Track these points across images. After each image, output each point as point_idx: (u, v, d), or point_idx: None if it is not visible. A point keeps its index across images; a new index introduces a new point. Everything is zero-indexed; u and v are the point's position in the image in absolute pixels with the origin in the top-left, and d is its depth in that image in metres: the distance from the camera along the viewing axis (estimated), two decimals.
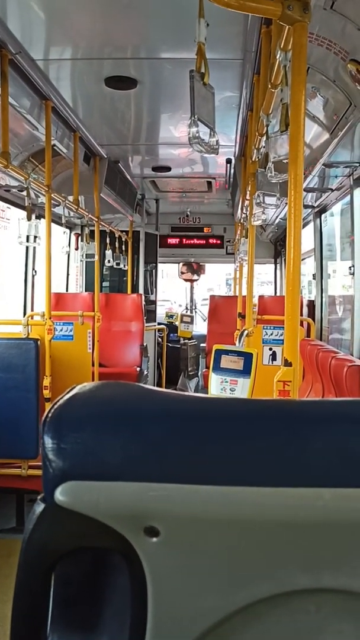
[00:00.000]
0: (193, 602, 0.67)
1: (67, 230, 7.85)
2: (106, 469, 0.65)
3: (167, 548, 0.66)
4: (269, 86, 2.27)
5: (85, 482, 0.65)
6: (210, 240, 9.41)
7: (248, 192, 3.85)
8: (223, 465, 0.66)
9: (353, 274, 4.37)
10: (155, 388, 0.76)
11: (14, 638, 0.70)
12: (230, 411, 0.72)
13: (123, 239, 7.62)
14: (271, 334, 4.64)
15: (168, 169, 6.50)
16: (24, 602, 0.70)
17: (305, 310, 6.36)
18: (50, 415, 0.68)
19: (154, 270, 8.80)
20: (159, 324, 8.85)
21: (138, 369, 6.94)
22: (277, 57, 1.99)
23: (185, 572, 0.66)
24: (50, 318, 4.26)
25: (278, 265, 9.48)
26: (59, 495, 0.65)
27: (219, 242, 9.38)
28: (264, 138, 2.59)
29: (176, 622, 0.67)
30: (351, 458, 0.66)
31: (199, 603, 0.67)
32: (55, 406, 0.69)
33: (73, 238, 7.96)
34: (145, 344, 7.34)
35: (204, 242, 9.42)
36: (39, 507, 0.68)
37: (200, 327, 9.65)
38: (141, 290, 8.29)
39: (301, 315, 5.55)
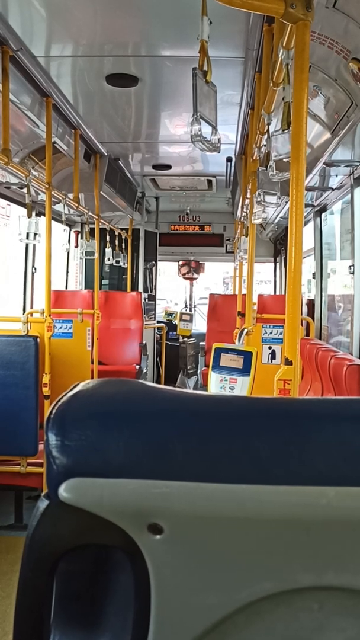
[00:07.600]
0: (196, 600, 0.67)
1: (67, 228, 7.85)
2: (110, 465, 0.66)
3: (170, 545, 0.66)
4: (271, 84, 2.27)
5: (89, 479, 0.65)
6: (210, 239, 9.38)
7: (248, 191, 3.85)
8: (226, 462, 0.66)
9: (353, 273, 4.37)
10: (159, 385, 0.76)
11: (17, 634, 0.70)
12: (234, 409, 0.72)
13: (123, 237, 7.62)
14: (271, 333, 4.64)
15: (168, 167, 6.50)
16: (26, 598, 0.70)
17: (304, 309, 6.35)
18: (54, 412, 0.68)
19: (153, 269, 8.80)
20: (158, 322, 8.85)
21: (137, 367, 6.95)
22: (279, 55, 1.99)
23: (189, 569, 0.67)
24: (49, 315, 4.25)
25: (277, 264, 9.47)
26: (63, 491, 0.65)
27: (218, 240, 9.36)
28: (265, 136, 2.59)
29: (179, 619, 0.67)
30: (354, 456, 0.66)
31: (202, 600, 0.67)
32: (59, 403, 0.69)
33: (73, 235, 7.96)
34: (144, 342, 7.35)
35: (204, 240, 9.40)
36: (43, 504, 0.68)
37: (199, 325, 9.65)
38: (141, 288, 8.28)
39: (301, 314, 5.55)
